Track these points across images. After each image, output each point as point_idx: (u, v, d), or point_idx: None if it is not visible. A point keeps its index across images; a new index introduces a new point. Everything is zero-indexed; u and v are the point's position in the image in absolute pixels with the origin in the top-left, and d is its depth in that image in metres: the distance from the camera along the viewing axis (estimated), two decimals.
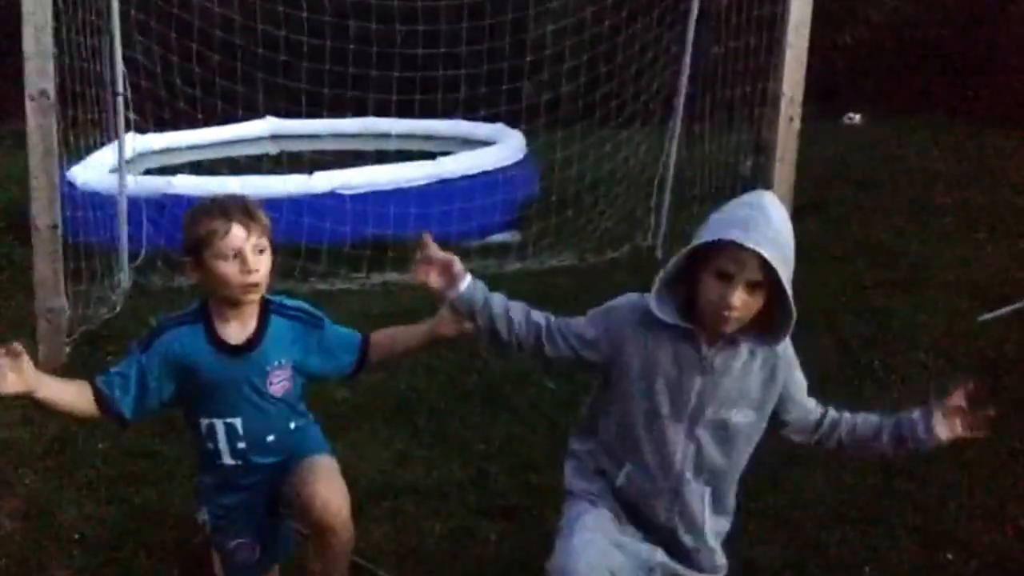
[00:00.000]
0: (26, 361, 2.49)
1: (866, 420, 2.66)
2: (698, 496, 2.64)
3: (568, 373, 4.84)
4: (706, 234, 2.43)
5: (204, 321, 2.81)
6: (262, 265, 2.73)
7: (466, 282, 2.66)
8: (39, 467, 4.16)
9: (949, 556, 3.49)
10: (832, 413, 2.69)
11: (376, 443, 4.32)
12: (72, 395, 2.72)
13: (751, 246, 2.34)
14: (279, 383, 2.85)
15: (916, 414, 2.60)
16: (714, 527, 2.70)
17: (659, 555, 2.65)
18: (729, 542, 2.78)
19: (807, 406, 2.67)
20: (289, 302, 2.94)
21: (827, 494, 3.91)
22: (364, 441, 4.31)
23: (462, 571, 3.42)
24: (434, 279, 2.66)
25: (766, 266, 2.35)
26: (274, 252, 2.82)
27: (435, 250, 2.66)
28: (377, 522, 3.63)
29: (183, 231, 2.78)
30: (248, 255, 2.70)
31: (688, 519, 2.65)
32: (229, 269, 2.70)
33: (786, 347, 2.60)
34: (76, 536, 3.63)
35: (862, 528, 3.67)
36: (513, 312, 2.67)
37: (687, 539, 2.66)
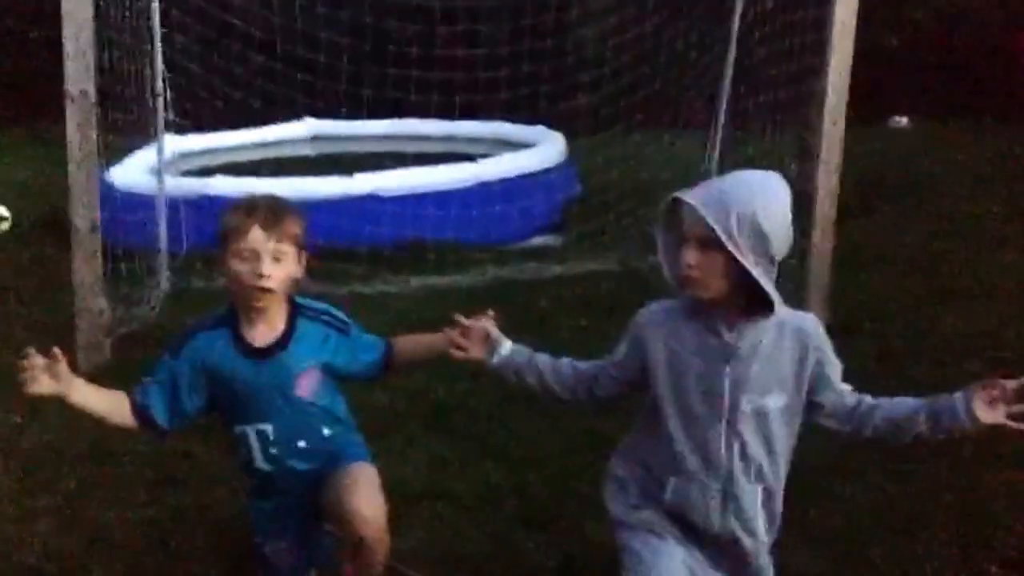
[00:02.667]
0: (62, 366, 2.52)
1: (902, 402, 2.56)
2: (751, 495, 2.57)
3: None
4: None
5: (231, 325, 2.81)
6: (276, 271, 2.70)
7: (507, 347, 2.75)
8: (78, 469, 4.17)
9: (993, 569, 3.41)
10: (868, 399, 2.59)
11: (415, 448, 4.29)
12: (107, 403, 2.74)
13: (681, 196, 2.43)
14: (307, 386, 2.83)
15: (957, 394, 2.48)
16: (768, 521, 2.64)
17: None
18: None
19: (842, 389, 2.58)
20: (317, 305, 2.92)
21: (868, 504, 3.83)
22: (403, 446, 4.28)
23: None
24: (474, 351, 2.75)
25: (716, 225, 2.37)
26: (309, 259, 2.82)
27: (469, 322, 2.75)
28: (414, 527, 3.59)
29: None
30: (263, 258, 2.67)
31: (745, 521, 2.58)
32: (242, 268, 2.69)
33: (816, 326, 2.55)
34: (113, 538, 3.63)
35: (904, 539, 3.59)
36: (561, 368, 2.75)
37: (748, 543, 2.60)
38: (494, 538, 3.60)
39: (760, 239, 2.37)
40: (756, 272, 2.35)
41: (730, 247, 2.34)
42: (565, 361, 2.76)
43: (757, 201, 2.38)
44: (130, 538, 3.62)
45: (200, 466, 4.14)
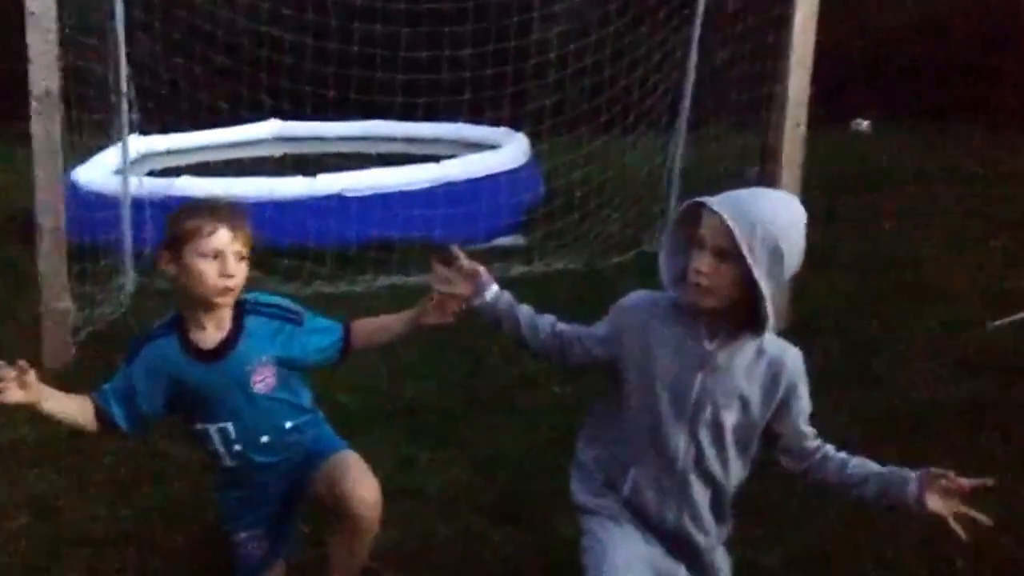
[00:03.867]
0: (31, 376, 2.55)
1: (860, 464, 2.59)
2: (703, 497, 2.63)
3: (575, 378, 4.85)
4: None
5: (178, 331, 2.82)
6: (240, 272, 2.74)
7: (492, 291, 2.77)
8: (49, 467, 4.16)
9: (959, 564, 3.46)
10: (829, 449, 2.63)
11: (383, 447, 4.29)
12: (75, 411, 2.78)
13: (707, 202, 2.39)
14: (263, 381, 2.84)
15: (913, 474, 2.49)
16: (719, 524, 2.70)
17: (683, 573, 2.65)
18: (734, 545, 2.77)
19: (804, 430, 2.62)
20: (266, 299, 2.94)
21: (834, 499, 3.86)
22: (370, 445, 4.22)
23: (469, 574, 3.41)
24: (460, 287, 2.77)
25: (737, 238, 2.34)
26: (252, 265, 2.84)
27: (464, 259, 2.77)
28: (383, 525, 3.58)
29: (167, 226, 2.79)
30: (229, 259, 2.70)
31: (699, 520, 2.64)
32: (208, 269, 2.70)
33: (796, 360, 2.58)
34: (86, 536, 3.63)
35: (869, 534, 3.65)
36: (540, 323, 2.76)
37: (700, 539, 2.65)
38: (464, 534, 3.64)
39: (776, 259, 2.36)
40: (766, 291, 2.36)
41: (751, 262, 2.33)
42: (547, 318, 2.77)
43: (780, 222, 2.38)
44: (101, 536, 3.62)
45: (171, 464, 4.13)
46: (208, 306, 2.77)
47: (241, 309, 2.85)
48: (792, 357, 2.57)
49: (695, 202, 2.46)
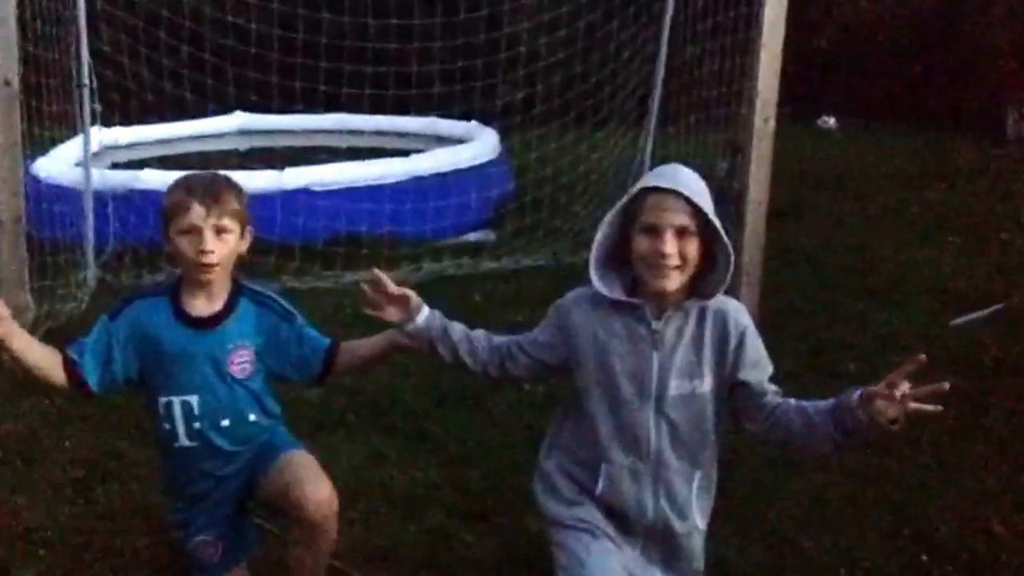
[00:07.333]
0: (4, 310, 2.58)
1: (815, 406, 2.48)
2: (682, 477, 2.60)
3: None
4: (627, 196, 2.55)
5: (172, 294, 2.82)
6: (219, 246, 2.72)
7: (423, 314, 2.77)
8: (3, 467, 4.08)
9: (924, 557, 3.48)
10: (792, 400, 2.56)
11: (350, 444, 4.27)
12: (42, 357, 2.73)
13: (669, 186, 2.45)
14: (240, 364, 2.84)
15: (857, 392, 2.34)
16: (701, 506, 2.68)
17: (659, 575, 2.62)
18: (705, 541, 2.74)
19: (765, 383, 2.58)
20: (263, 290, 2.94)
21: (803, 496, 3.88)
22: (338, 442, 4.25)
23: (437, 573, 3.37)
24: (391, 313, 2.77)
25: (691, 213, 2.44)
26: (253, 235, 2.86)
27: (389, 285, 2.76)
28: (351, 524, 3.56)
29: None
30: (204, 234, 2.69)
31: (677, 503, 2.62)
32: (185, 245, 2.71)
33: (739, 309, 2.59)
34: (41, 537, 3.56)
35: (837, 530, 3.65)
36: (475, 340, 2.77)
37: (679, 525, 2.63)
38: (432, 533, 3.60)
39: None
40: (728, 242, 2.47)
41: (719, 227, 2.45)
42: (480, 334, 2.78)
43: (707, 192, 2.50)
44: (58, 537, 3.55)
45: (129, 464, 4.07)
46: (198, 281, 2.77)
47: (238, 290, 2.86)
48: (733, 307, 2.60)
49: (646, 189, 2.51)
